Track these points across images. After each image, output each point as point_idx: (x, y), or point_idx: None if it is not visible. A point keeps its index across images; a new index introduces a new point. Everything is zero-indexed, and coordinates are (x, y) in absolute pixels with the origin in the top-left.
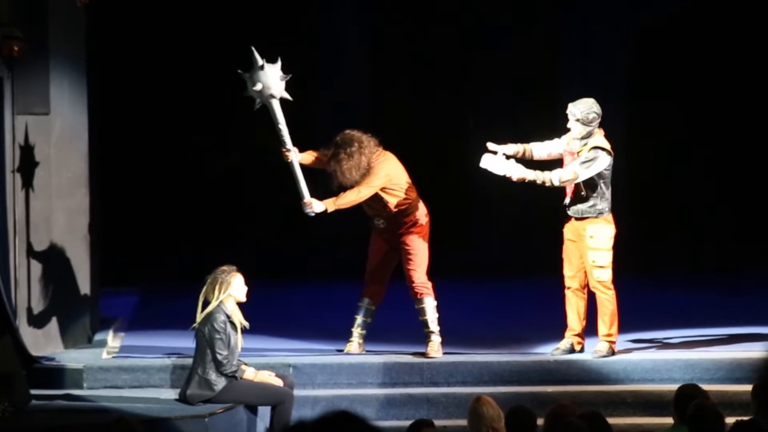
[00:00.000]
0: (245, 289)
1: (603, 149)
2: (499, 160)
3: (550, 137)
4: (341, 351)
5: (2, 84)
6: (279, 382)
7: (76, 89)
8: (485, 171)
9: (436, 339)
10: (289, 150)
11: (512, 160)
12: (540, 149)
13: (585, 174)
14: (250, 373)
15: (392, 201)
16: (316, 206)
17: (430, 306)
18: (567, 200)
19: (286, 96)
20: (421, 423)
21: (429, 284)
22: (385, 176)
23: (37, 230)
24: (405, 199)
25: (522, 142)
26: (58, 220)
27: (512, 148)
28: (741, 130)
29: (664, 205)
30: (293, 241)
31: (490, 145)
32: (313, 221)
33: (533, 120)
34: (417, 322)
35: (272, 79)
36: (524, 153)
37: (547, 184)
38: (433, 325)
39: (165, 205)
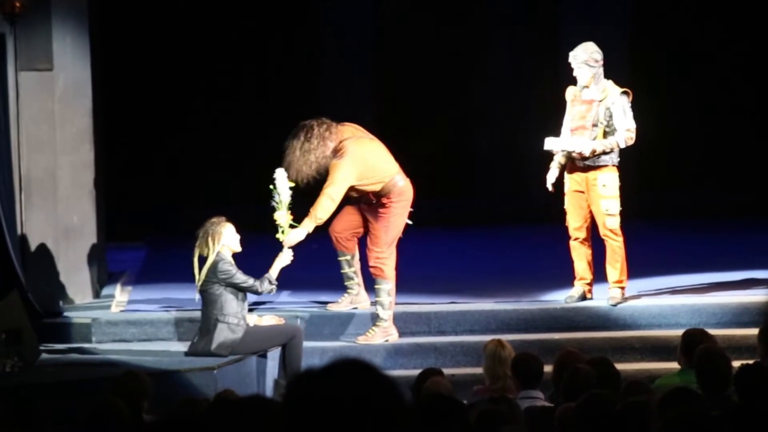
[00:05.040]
0: (238, 237)
1: (626, 92)
2: (562, 140)
3: (553, 88)
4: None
5: (5, 40)
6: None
7: (78, 44)
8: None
9: (377, 327)
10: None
11: (574, 137)
12: (562, 143)
13: (632, 120)
14: (253, 319)
15: (370, 189)
16: (293, 237)
17: (384, 289)
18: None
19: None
20: (430, 372)
21: (387, 265)
22: (353, 174)
23: (43, 186)
24: (381, 181)
25: (525, 89)
26: (63, 175)
27: (555, 172)
28: (743, 77)
29: (667, 151)
30: (301, 193)
31: (549, 183)
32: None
33: (535, 70)
34: (423, 271)
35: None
36: (565, 161)
37: (615, 148)
38: (383, 312)
39: (171, 159)
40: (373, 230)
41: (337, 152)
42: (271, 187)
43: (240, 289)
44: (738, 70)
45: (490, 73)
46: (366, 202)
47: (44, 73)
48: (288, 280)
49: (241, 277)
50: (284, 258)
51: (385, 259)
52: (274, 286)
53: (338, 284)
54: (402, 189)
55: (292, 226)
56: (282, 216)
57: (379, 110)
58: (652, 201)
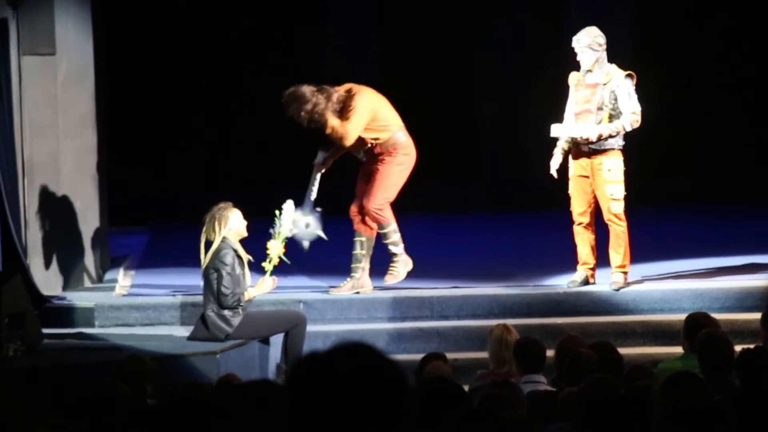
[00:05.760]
0: (245, 223)
1: (630, 75)
2: (569, 126)
3: (555, 71)
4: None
5: (7, 25)
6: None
7: (81, 28)
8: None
9: (395, 264)
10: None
11: (579, 123)
12: (569, 129)
13: (637, 102)
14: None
15: (372, 136)
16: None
17: (391, 229)
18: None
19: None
20: (433, 356)
21: (386, 210)
22: (369, 110)
23: (46, 170)
24: (386, 130)
25: (527, 76)
26: (66, 160)
27: (558, 157)
28: (745, 64)
29: (669, 137)
30: (303, 179)
31: (553, 169)
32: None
33: (537, 65)
34: (425, 256)
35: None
36: (569, 147)
37: (621, 131)
38: (396, 248)
39: (174, 143)
40: (371, 184)
41: (342, 101)
42: (276, 212)
43: (217, 290)
44: (739, 58)
45: (491, 72)
46: (370, 157)
47: (47, 57)
48: (291, 266)
49: (226, 282)
50: (265, 286)
51: (383, 206)
52: (240, 309)
53: (340, 270)
54: (404, 144)
55: (280, 259)
56: (275, 246)
57: None
58: (654, 186)
